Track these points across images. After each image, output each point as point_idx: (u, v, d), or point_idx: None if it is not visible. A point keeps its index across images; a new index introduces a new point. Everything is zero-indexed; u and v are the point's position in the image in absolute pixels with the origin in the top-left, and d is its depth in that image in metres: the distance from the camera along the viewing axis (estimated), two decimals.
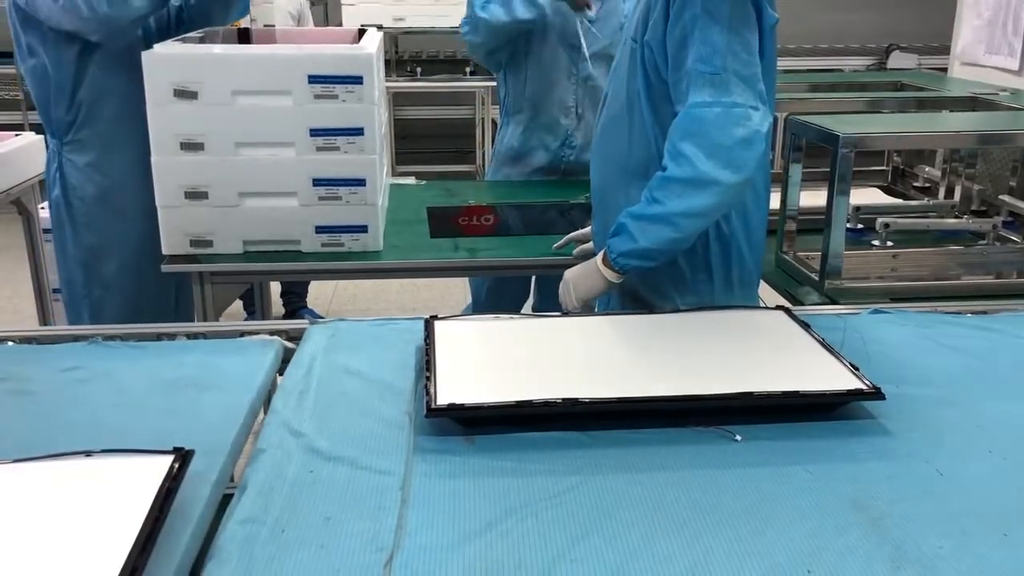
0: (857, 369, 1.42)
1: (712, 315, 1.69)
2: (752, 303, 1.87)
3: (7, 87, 5.71)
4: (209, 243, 2.29)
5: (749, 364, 1.46)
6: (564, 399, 1.31)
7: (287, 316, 4.14)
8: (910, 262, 2.19)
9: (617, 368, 1.45)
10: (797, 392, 1.34)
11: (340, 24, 5.66)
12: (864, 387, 1.36)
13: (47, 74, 2.37)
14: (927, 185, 2.80)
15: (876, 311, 1.77)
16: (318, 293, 4.47)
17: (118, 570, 0.93)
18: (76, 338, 1.66)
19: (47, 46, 2.33)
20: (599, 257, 1.73)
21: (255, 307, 3.60)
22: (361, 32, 2.62)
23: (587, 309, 1.80)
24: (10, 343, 1.64)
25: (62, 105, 2.41)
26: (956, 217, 2.53)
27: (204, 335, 1.71)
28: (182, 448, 1.16)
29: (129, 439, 1.22)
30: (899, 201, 2.75)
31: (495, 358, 1.48)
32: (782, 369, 1.44)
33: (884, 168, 2.98)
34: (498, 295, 2.99)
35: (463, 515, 1.11)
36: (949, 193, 2.62)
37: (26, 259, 3.19)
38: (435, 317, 1.62)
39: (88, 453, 1.17)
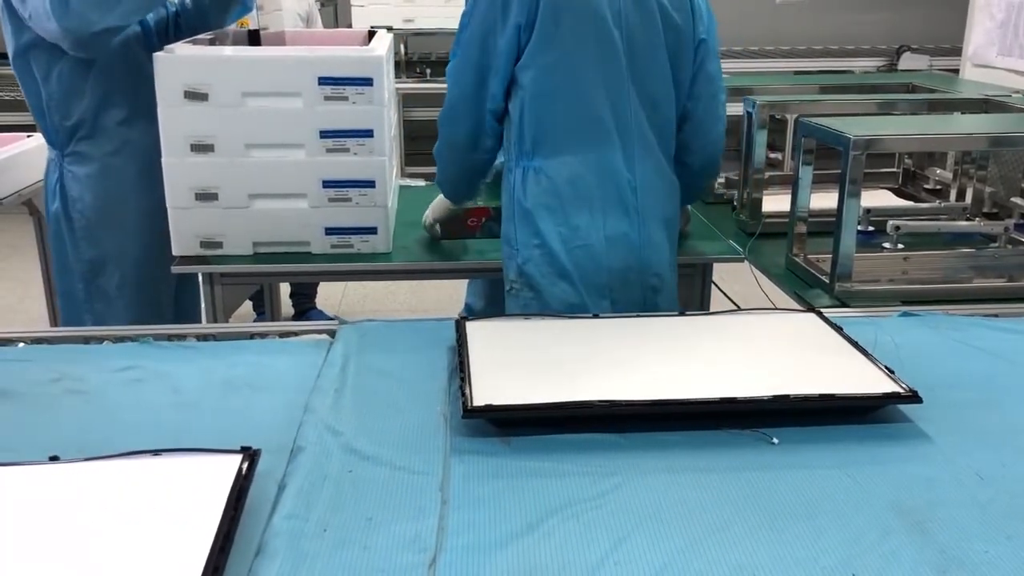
0: (892, 372, 1.41)
1: (743, 317, 1.68)
2: (578, 306, 1.95)
3: (18, 88, 5.72)
4: (219, 244, 2.30)
5: (783, 366, 1.45)
6: (601, 401, 1.31)
7: (296, 317, 4.15)
8: (921, 265, 2.18)
9: (649, 369, 1.44)
10: (834, 395, 1.34)
11: (350, 25, 5.67)
12: (901, 390, 1.35)
13: (36, 86, 2.33)
14: (938, 187, 2.79)
15: (905, 314, 1.75)
16: (327, 294, 4.47)
17: (200, 569, 0.95)
18: (86, 339, 1.67)
19: (36, 57, 2.28)
20: None
21: (265, 308, 3.61)
22: (371, 33, 2.62)
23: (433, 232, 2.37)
24: (21, 344, 1.65)
25: (55, 117, 2.36)
26: (967, 219, 2.52)
27: (215, 336, 1.71)
28: (250, 447, 1.18)
29: (189, 438, 1.24)
30: (910, 203, 2.74)
31: (527, 359, 1.48)
32: (816, 372, 1.43)
33: (895, 170, 2.97)
34: (495, 301, 3.01)
35: (504, 516, 1.11)
36: (960, 195, 2.61)
37: (36, 260, 3.20)
38: (465, 318, 1.63)
39: (156, 452, 1.18)
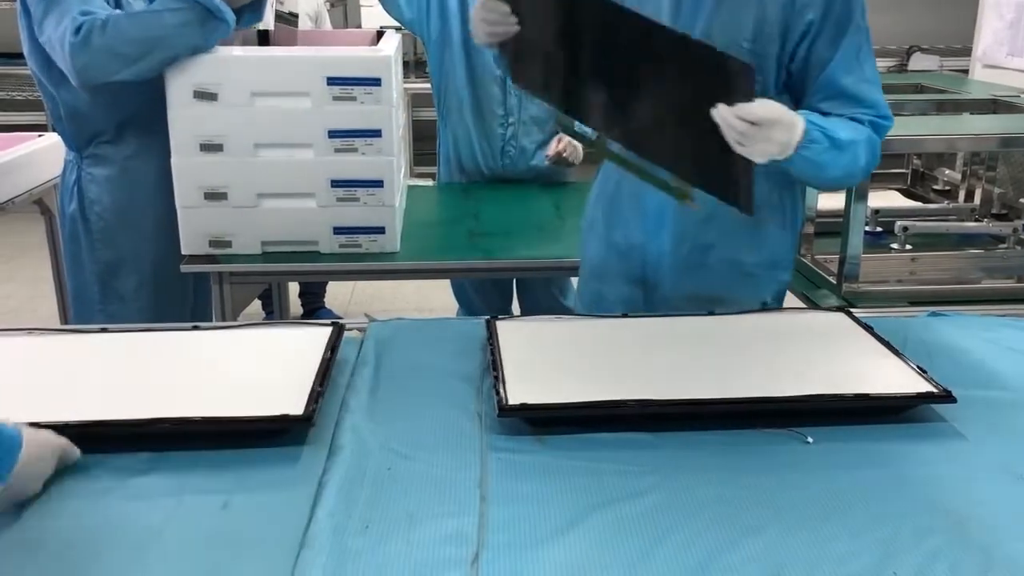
0: (924, 371, 1.41)
1: (773, 316, 1.69)
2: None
3: (30, 88, 5.76)
4: (228, 243, 2.31)
5: (815, 366, 1.46)
6: (636, 400, 1.31)
7: (305, 316, 4.16)
8: (929, 265, 2.19)
9: (681, 369, 1.45)
10: (868, 394, 1.34)
11: (359, 25, 5.68)
12: (935, 390, 1.35)
13: (52, 92, 2.30)
14: (947, 188, 2.78)
15: (934, 314, 1.76)
16: (336, 293, 4.48)
17: (310, 386, 1.34)
18: None
19: (50, 68, 2.23)
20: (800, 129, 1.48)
21: (273, 307, 3.62)
22: (380, 34, 2.63)
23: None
24: None
25: (72, 123, 2.34)
26: (976, 220, 2.51)
27: None
28: (337, 322, 1.61)
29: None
30: (918, 204, 2.74)
31: (558, 358, 1.49)
32: (849, 371, 1.44)
33: (904, 171, 2.96)
34: (486, 295, 3.02)
35: (543, 514, 1.12)
36: (969, 196, 2.61)
37: (46, 259, 3.21)
38: (495, 317, 1.64)
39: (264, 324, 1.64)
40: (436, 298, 4.54)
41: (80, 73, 2.13)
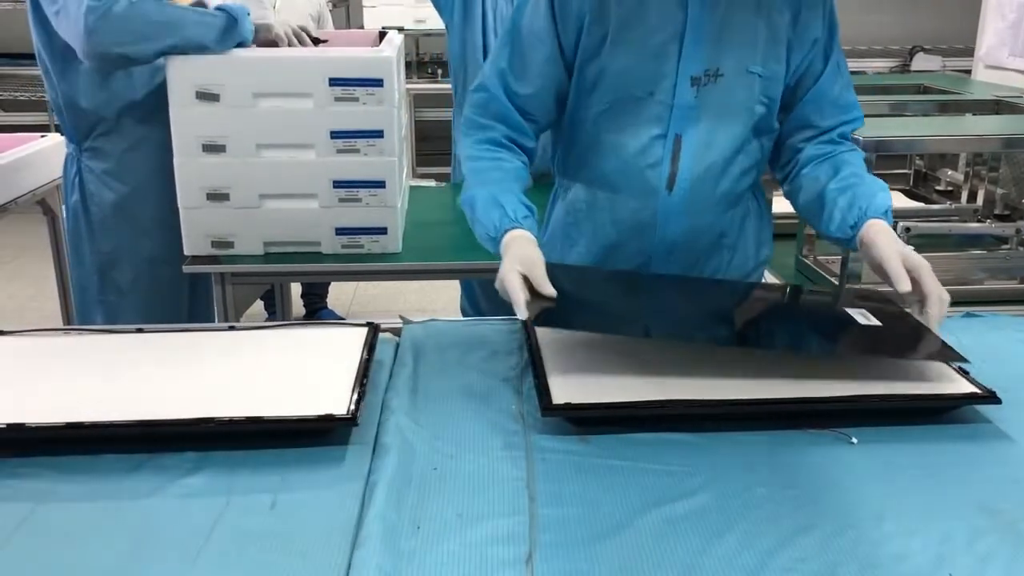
0: (966, 372, 1.40)
1: None
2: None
3: (33, 88, 5.76)
4: (230, 244, 2.31)
5: (856, 366, 1.45)
6: (681, 400, 1.31)
7: (307, 317, 4.16)
8: (931, 266, 2.18)
9: (719, 369, 1.43)
10: (914, 395, 1.33)
11: (361, 26, 5.69)
12: (978, 390, 1.35)
13: (54, 82, 2.33)
14: (950, 189, 2.78)
15: (968, 315, 1.75)
16: (338, 294, 4.48)
17: (351, 385, 1.35)
18: None
19: (52, 55, 2.28)
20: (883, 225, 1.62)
21: (276, 307, 3.62)
22: (382, 34, 2.63)
23: None
24: None
25: (71, 114, 2.36)
26: (979, 221, 2.51)
27: None
28: (372, 322, 1.60)
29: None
30: (921, 205, 2.73)
31: (598, 358, 1.48)
32: (890, 371, 1.42)
33: (906, 172, 2.96)
34: (492, 294, 3.01)
35: (594, 513, 1.11)
36: (972, 197, 2.61)
37: (48, 259, 3.22)
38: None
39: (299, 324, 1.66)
40: (438, 298, 4.55)
41: (88, 37, 2.12)
